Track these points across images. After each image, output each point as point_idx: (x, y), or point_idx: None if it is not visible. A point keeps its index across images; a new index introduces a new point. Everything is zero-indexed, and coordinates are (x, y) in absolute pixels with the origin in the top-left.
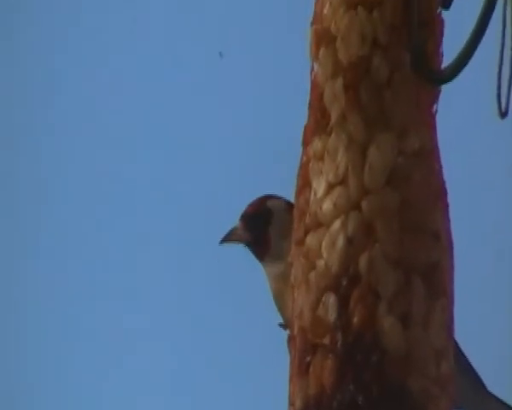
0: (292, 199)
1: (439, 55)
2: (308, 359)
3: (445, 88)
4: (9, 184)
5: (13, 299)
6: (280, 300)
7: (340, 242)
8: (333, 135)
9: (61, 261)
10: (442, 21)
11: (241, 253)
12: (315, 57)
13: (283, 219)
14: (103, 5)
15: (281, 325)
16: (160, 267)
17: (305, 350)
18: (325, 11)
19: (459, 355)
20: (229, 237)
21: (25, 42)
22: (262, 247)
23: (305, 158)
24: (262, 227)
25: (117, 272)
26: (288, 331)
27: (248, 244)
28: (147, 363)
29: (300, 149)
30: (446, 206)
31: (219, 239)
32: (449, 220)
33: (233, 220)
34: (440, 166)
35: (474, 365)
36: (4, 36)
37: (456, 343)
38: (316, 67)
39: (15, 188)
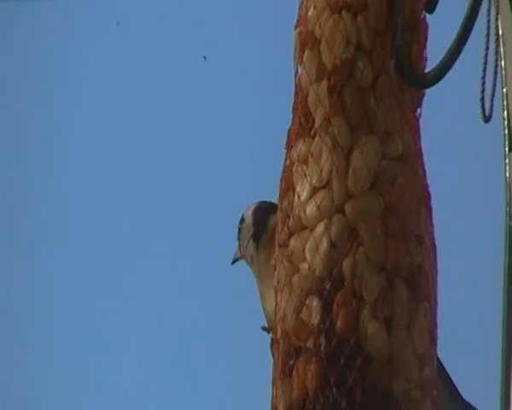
0: (275, 201)
1: (422, 58)
2: (291, 362)
3: (428, 92)
4: (9, 184)
5: (13, 298)
6: (260, 299)
7: (324, 245)
8: (317, 138)
9: (61, 260)
10: (426, 25)
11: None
12: (299, 60)
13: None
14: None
15: (264, 328)
16: (157, 268)
17: (288, 354)
18: (309, 14)
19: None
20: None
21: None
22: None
23: (288, 161)
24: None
25: (116, 271)
26: (270, 335)
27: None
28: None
29: (284, 152)
30: (430, 210)
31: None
32: (432, 224)
33: (211, 219)
34: (424, 170)
35: (458, 368)
36: (4, 36)
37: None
38: (300, 70)
39: (15, 188)
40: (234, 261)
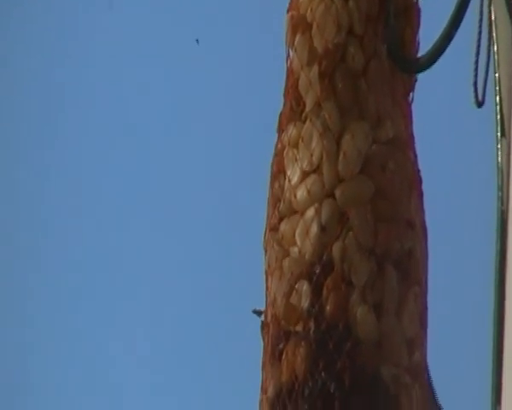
0: (266, 186)
1: (415, 43)
2: (281, 346)
3: (421, 77)
4: (9, 184)
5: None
6: None
7: (314, 229)
8: (307, 122)
9: (61, 259)
10: (419, 10)
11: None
12: (290, 44)
13: None
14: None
15: (255, 311)
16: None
17: (277, 337)
18: None
19: None
20: None
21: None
22: None
23: (279, 145)
24: None
25: (116, 269)
26: (261, 318)
27: None
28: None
29: (275, 136)
30: (421, 195)
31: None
32: (423, 209)
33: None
34: (415, 155)
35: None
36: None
37: None
38: (291, 53)
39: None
40: None
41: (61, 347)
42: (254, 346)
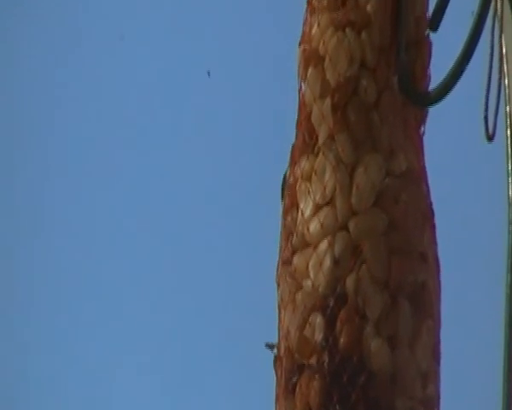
0: (278, 219)
1: (426, 76)
2: (294, 379)
3: (432, 110)
4: (9, 183)
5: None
6: None
7: (327, 262)
8: (320, 155)
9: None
10: (430, 43)
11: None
12: (303, 77)
13: None
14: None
15: (267, 345)
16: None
17: (291, 371)
18: (313, 31)
19: None
20: None
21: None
22: None
23: (292, 178)
24: None
25: (116, 267)
26: (274, 352)
27: None
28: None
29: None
30: (434, 227)
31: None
32: (436, 242)
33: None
34: (428, 188)
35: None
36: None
37: None
38: (304, 86)
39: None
40: None
41: (61, 347)
42: (267, 380)
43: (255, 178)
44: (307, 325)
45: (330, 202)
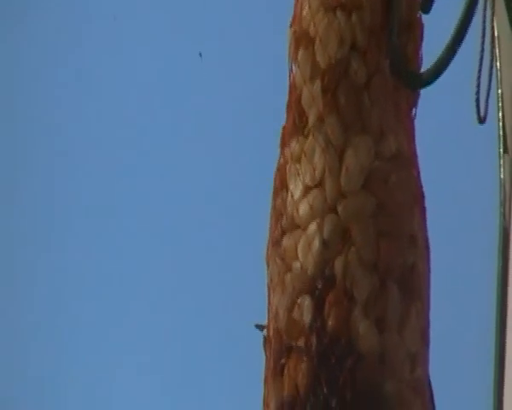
0: (268, 200)
1: (418, 59)
2: (283, 361)
3: (424, 92)
4: (9, 183)
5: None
6: None
7: (316, 244)
8: (310, 137)
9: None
10: (422, 25)
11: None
12: (293, 59)
13: None
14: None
15: (257, 326)
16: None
17: (280, 352)
18: (304, 13)
19: None
20: None
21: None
22: None
23: (282, 160)
24: None
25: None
26: (264, 333)
27: None
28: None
29: (278, 151)
30: (423, 210)
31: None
32: (426, 225)
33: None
34: (418, 171)
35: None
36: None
37: None
38: (294, 68)
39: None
40: None
41: (61, 347)
42: (256, 361)
43: (255, 177)
44: (296, 307)
45: (320, 184)
